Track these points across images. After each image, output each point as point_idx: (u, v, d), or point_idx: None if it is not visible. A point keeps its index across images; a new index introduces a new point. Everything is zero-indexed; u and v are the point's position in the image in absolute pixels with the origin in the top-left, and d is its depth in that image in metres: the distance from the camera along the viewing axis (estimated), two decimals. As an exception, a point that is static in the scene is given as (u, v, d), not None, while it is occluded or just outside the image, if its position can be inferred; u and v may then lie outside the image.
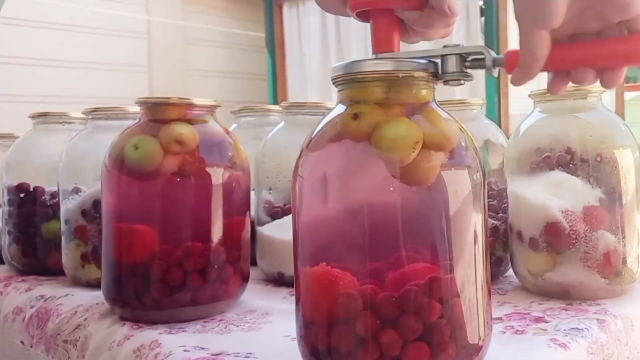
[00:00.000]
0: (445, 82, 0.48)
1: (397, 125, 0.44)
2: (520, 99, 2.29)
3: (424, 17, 0.49)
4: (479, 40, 2.50)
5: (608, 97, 2.62)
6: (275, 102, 2.87)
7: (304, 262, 0.47)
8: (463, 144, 0.46)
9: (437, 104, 0.47)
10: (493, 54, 0.47)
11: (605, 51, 0.46)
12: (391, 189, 0.44)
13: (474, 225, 0.45)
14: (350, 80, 0.47)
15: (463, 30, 2.53)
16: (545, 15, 0.44)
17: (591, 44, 0.46)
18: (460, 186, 0.44)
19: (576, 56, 0.46)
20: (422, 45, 0.50)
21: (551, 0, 0.43)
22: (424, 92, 0.46)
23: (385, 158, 0.43)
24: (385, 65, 0.46)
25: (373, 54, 0.50)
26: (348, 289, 0.43)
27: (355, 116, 0.45)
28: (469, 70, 0.48)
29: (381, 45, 0.49)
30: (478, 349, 0.46)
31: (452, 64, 0.47)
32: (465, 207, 0.45)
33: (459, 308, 0.44)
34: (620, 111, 2.61)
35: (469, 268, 0.45)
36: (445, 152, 0.44)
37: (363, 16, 0.51)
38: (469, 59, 0.48)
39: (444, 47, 0.48)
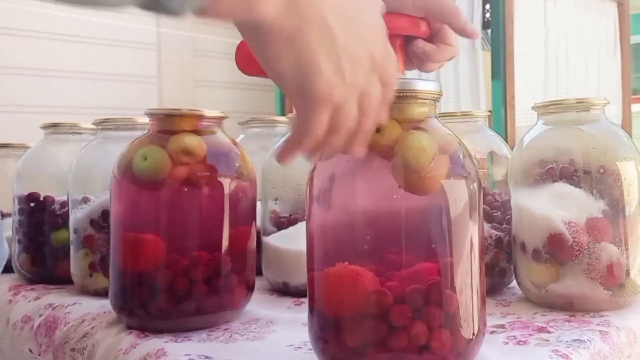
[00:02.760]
0: None
1: (421, 138, 0.48)
2: (527, 111, 2.29)
3: (438, 51, 0.53)
4: (480, 52, 2.50)
5: (615, 109, 2.62)
6: (283, 113, 2.88)
7: (323, 263, 0.50)
8: (461, 156, 0.49)
9: (437, 119, 0.51)
10: None
11: None
12: (395, 196, 0.47)
13: (471, 232, 0.49)
14: None
15: (466, 41, 2.53)
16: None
17: None
18: (458, 195, 0.48)
19: None
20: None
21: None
22: (426, 109, 0.50)
23: (410, 167, 0.47)
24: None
25: None
26: (373, 286, 0.46)
27: (378, 130, 0.47)
28: None
29: None
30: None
31: None
32: (463, 214, 0.48)
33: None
34: (627, 123, 2.60)
35: (467, 274, 0.48)
36: (445, 164, 0.48)
37: None
38: None
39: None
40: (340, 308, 0.48)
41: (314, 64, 0.37)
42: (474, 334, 0.49)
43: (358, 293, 0.47)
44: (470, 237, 0.49)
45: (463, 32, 0.53)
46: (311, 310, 0.51)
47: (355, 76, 0.39)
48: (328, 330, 0.49)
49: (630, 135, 0.70)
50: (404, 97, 0.49)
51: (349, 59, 0.39)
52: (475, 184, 0.49)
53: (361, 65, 0.39)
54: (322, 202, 0.50)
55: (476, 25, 2.51)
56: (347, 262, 0.47)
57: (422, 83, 0.49)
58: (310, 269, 0.51)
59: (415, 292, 0.46)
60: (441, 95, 0.51)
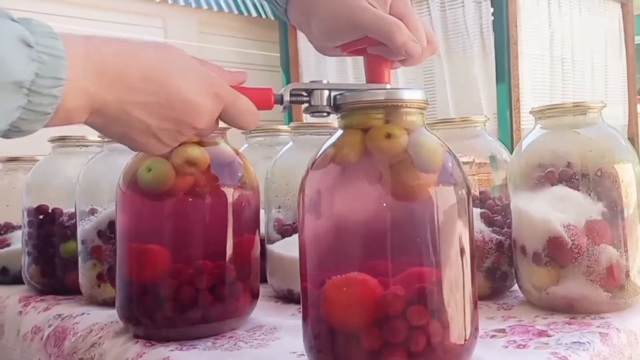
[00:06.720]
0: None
1: (432, 139, 0.51)
2: (533, 113, 2.29)
3: (387, 51, 0.53)
4: (492, 55, 2.50)
5: (621, 110, 2.61)
6: (290, 121, 2.90)
7: (318, 272, 0.50)
8: (450, 163, 0.50)
9: (426, 128, 0.53)
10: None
11: None
12: (384, 204, 0.48)
13: (461, 238, 0.49)
14: (356, 108, 0.52)
15: (478, 44, 2.53)
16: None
17: None
18: (447, 201, 0.49)
19: None
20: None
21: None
22: (417, 117, 0.52)
23: (424, 168, 0.49)
24: (382, 95, 0.51)
25: (367, 83, 0.55)
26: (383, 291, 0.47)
27: (389, 135, 0.49)
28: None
29: (373, 77, 0.55)
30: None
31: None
32: (452, 220, 0.49)
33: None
34: (633, 123, 2.59)
35: (457, 278, 0.49)
36: (432, 173, 0.49)
37: (357, 52, 0.56)
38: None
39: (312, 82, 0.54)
40: (340, 317, 0.48)
41: (131, 141, 0.51)
42: (465, 339, 0.49)
43: (364, 302, 0.47)
44: (460, 242, 0.49)
45: (399, 54, 0.52)
46: (305, 318, 0.51)
47: (169, 139, 0.52)
48: (322, 339, 0.49)
49: (638, 135, 0.70)
50: (391, 107, 0.50)
51: (163, 133, 0.50)
52: (463, 190, 0.50)
53: (174, 133, 0.51)
54: (313, 211, 0.51)
55: (485, 28, 2.49)
56: (343, 271, 0.48)
57: (408, 92, 0.51)
58: (303, 278, 0.51)
59: (411, 299, 0.47)
60: (427, 104, 0.52)
